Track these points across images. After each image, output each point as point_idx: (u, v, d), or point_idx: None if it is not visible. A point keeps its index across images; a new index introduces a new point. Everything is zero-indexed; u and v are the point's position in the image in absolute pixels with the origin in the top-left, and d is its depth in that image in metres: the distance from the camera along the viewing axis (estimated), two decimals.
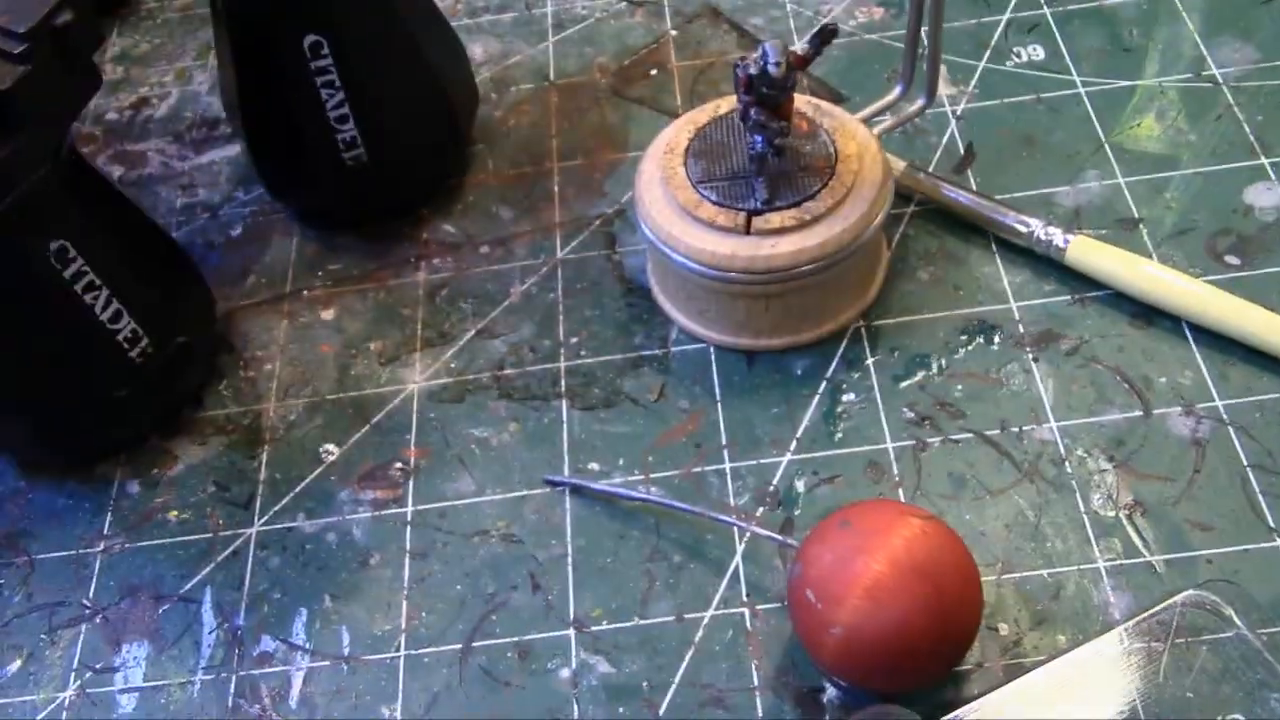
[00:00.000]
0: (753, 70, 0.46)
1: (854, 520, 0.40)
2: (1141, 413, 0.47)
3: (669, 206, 0.50)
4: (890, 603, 0.38)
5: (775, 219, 0.48)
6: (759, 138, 0.48)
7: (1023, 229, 0.52)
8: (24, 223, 0.45)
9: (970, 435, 0.48)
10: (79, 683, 0.46)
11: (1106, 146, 0.56)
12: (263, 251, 0.59)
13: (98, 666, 0.46)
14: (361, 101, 0.53)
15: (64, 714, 0.45)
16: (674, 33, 0.65)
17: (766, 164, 0.49)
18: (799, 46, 0.47)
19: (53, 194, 0.46)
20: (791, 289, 0.49)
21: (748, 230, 0.48)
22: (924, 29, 0.52)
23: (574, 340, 0.53)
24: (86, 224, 0.47)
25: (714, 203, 0.49)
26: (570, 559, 0.47)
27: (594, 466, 0.49)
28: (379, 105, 0.54)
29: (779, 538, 0.44)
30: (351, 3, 0.52)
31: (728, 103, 0.53)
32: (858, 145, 0.50)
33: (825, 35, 0.47)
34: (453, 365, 0.53)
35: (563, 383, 0.52)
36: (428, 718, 0.43)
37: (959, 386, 0.49)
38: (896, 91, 0.55)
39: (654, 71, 0.64)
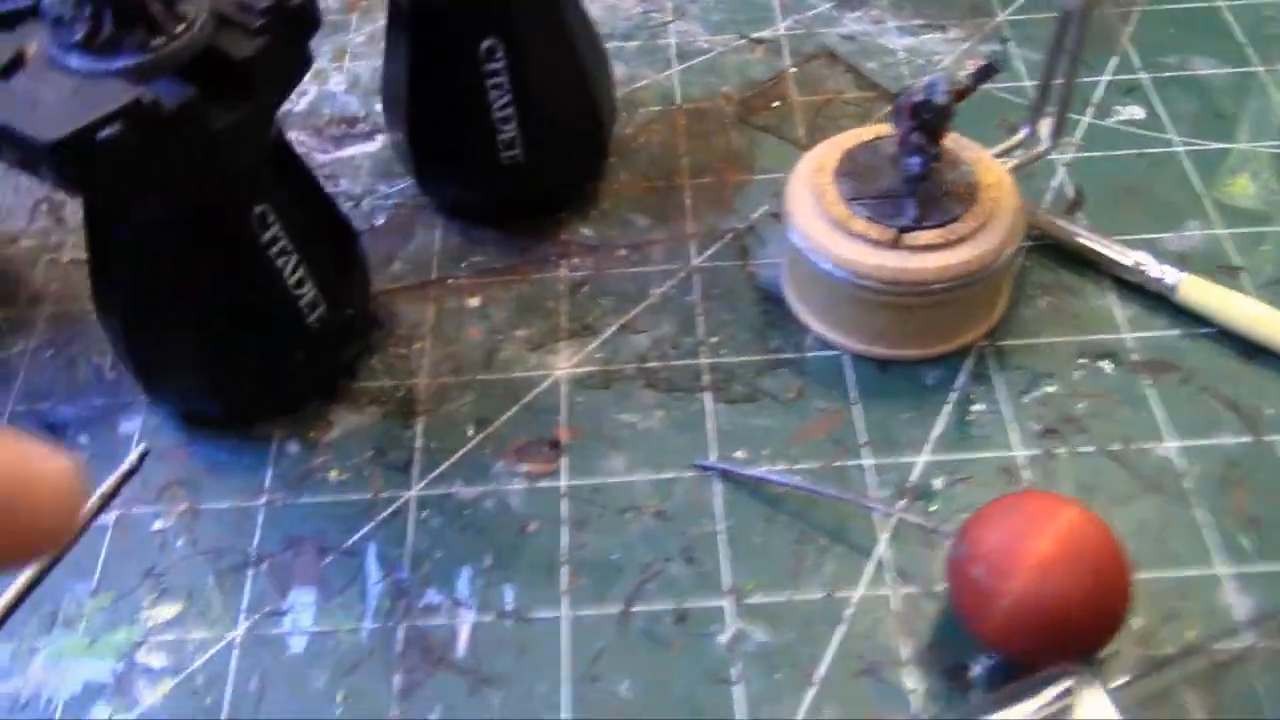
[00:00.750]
0: (917, 98, 0.51)
1: (1020, 506, 0.43)
2: (1252, 439, 0.51)
3: (821, 220, 0.53)
4: (1057, 579, 0.41)
5: (924, 236, 0.52)
6: (916, 159, 0.52)
7: (1137, 266, 0.56)
8: (240, 186, 0.48)
9: (1094, 449, 0.51)
10: (248, 623, 0.48)
11: (1205, 200, 0.61)
12: (407, 241, 0.62)
13: (266, 610, 0.48)
14: (525, 104, 0.57)
15: (234, 651, 0.47)
16: (793, 70, 0.70)
17: (919, 186, 0.53)
18: (961, 80, 0.52)
19: (264, 161, 0.49)
20: (931, 303, 0.52)
21: (896, 245, 0.52)
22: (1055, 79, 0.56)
23: (714, 340, 0.56)
24: (285, 192, 0.50)
25: (865, 218, 0.52)
26: (721, 536, 0.49)
27: (740, 454, 0.52)
28: (540, 108, 0.58)
29: (929, 524, 0.47)
30: (528, 10, 0.56)
31: (870, 131, 0.57)
32: (996, 176, 0.54)
33: (987, 72, 0.51)
34: (598, 355, 0.56)
35: (705, 377, 0.55)
36: (593, 673, 0.46)
37: (1080, 404, 0.53)
38: (1023, 133, 0.59)
39: (776, 104, 0.68)
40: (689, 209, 0.62)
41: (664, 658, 0.46)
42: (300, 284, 0.51)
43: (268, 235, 0.49)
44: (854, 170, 0.55)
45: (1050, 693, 0.39)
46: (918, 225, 0.52)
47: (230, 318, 0.50)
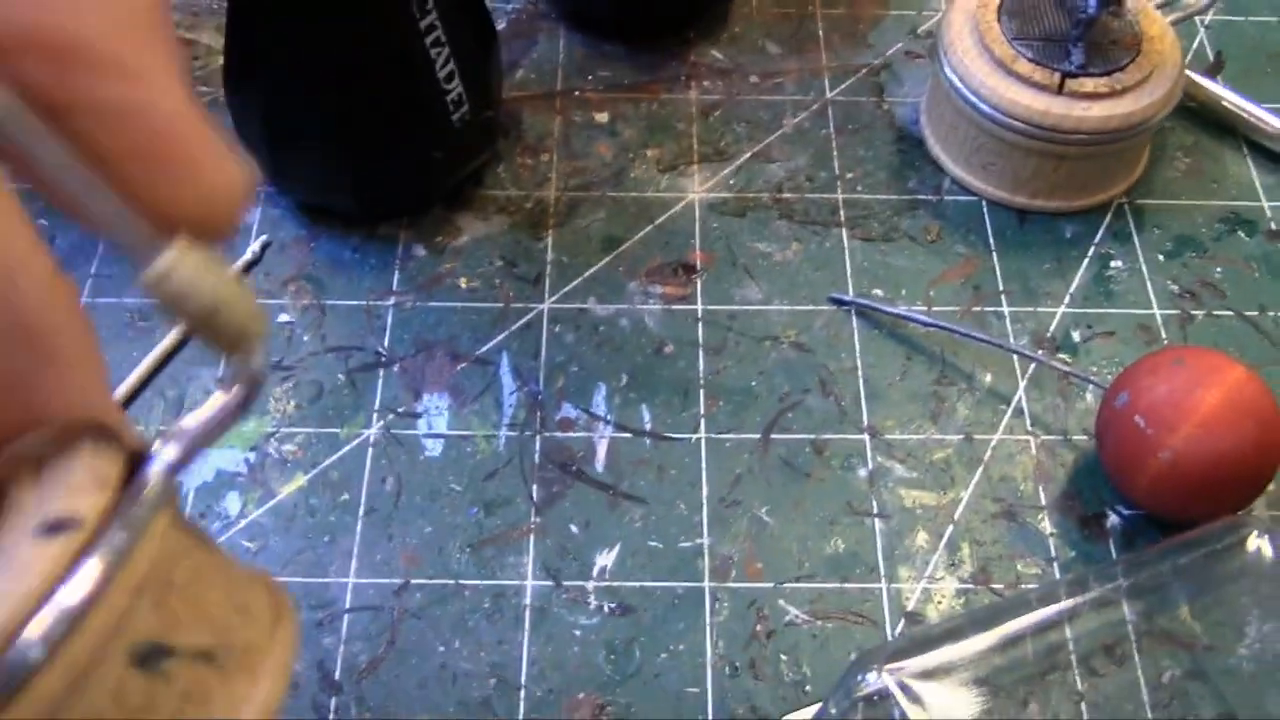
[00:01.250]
0: None
1: (1187, 359, 0.43)
2: None
3: (982, 58, 0.52)
4: (1221, 434, 0.41)
5: (1089, 84, 0.50)
6: (1093, 0, 0.50)
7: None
8: None
9: (1231, 313, 0.51)
10: (382, 423, 0.48)
11: None
12: (530, 49, 0.60)
13: (400, 410, 0.48)
14: None
15: (369, 450, 0.47)
16: None
17: (1086, 31, 0.51)
18: None
19: None
20: (1084, 154, 0.51)
21: (1060, 90, 0.51)
22: None
23: (849, 176, 0.55)
24: None
25: (1030, 60, 0.51)
26: (860, 373, 0.49)
27: (878, 292, 0.52)
28: None
29: (1079, 373, 0.47)
30: None
31: None
32: (1159, 28, 0.53)
33: None
34: (731, 182, 0.55)
35: (841, 213, 0.54)
36: (732, 497, 0.46)
37: (1218, 269, 0.53)
38: None
39: None
40: (822, 40, 0.61)
41: (803, 487, 0.46)
42: (450, 78, 0.49)
43: (425, 22, 0.47)
44: (1019, 9, 0.53)
45: (1225, 542, 0.39)
46: (1083, 72, 0.51)
47: (378, 106, 0.48)
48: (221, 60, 0.59)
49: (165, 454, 0.18)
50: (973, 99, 0.52)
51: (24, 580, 0.15)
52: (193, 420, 0.18)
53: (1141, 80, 0.51)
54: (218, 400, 0.19)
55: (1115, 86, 0.50)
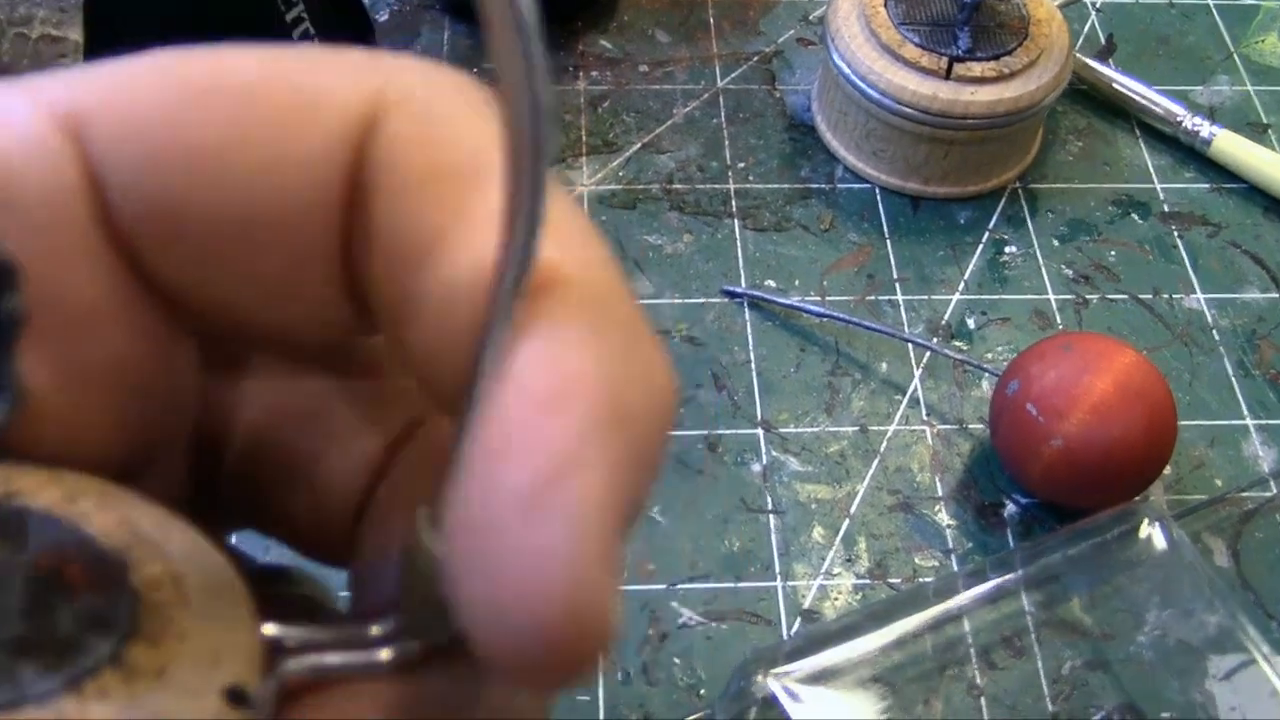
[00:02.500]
0: None
1: (1075, 345, 0.43)
2: (1278, 294, 0.51)
3: (869, 44, 0.51)
4: (1113, 420, 0.41)
5: (976, 68, 0.50)
6: None
7: (1172, 117, 0.55)
8: None
9: (1125, 297, 0.51)
10: None
11: (1235, 56, 0.60)
12: (411, 42, 0.58)
13: None
14: None
15: None
16: None
17: (973, 15, 0.50)
18: None
19: None
20: (975, 138, 0.51)
21: (948, 75, 0.50)
22: None
23: (741, 165, 0.54)
24: None
25: (917, 45, 0.50)
26: (753, 366, 0.48)
27: (771, 283, 0.50)
28: None
29: (974, 361, 0.47)
30: None
31: None
32: (1047, 12, 0.52)
33: None
34: (621, 174, 0.54)
35: (733, 203, 0.53)
36: None
37: (1112, 252, 0.52)
38: None
39: None
40: (713, 27, 0.59)
41: (696, 484, 0.45)
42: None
43: (292, 14, 0.45)
44: None
45: (1118, 530, 0.39)
46: (971, 56, 0.50)
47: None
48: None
49: (299, 662, 0.16)
50: (862, 85, 0.51)
51: None
52: (334, 653, 0.16)
53: (1029, 64, 0.50)
54: (367, 650, 0.16)
55: (1003, 70, 0.50)
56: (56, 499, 0.14)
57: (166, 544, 0.15)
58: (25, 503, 0.15)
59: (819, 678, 0.37)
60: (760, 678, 0.35)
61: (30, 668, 0.13)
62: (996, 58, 0.50)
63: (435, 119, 0.16)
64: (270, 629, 0.16)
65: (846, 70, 0.51)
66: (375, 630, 0.16)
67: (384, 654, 0.16)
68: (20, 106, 0.17)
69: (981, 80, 0.50)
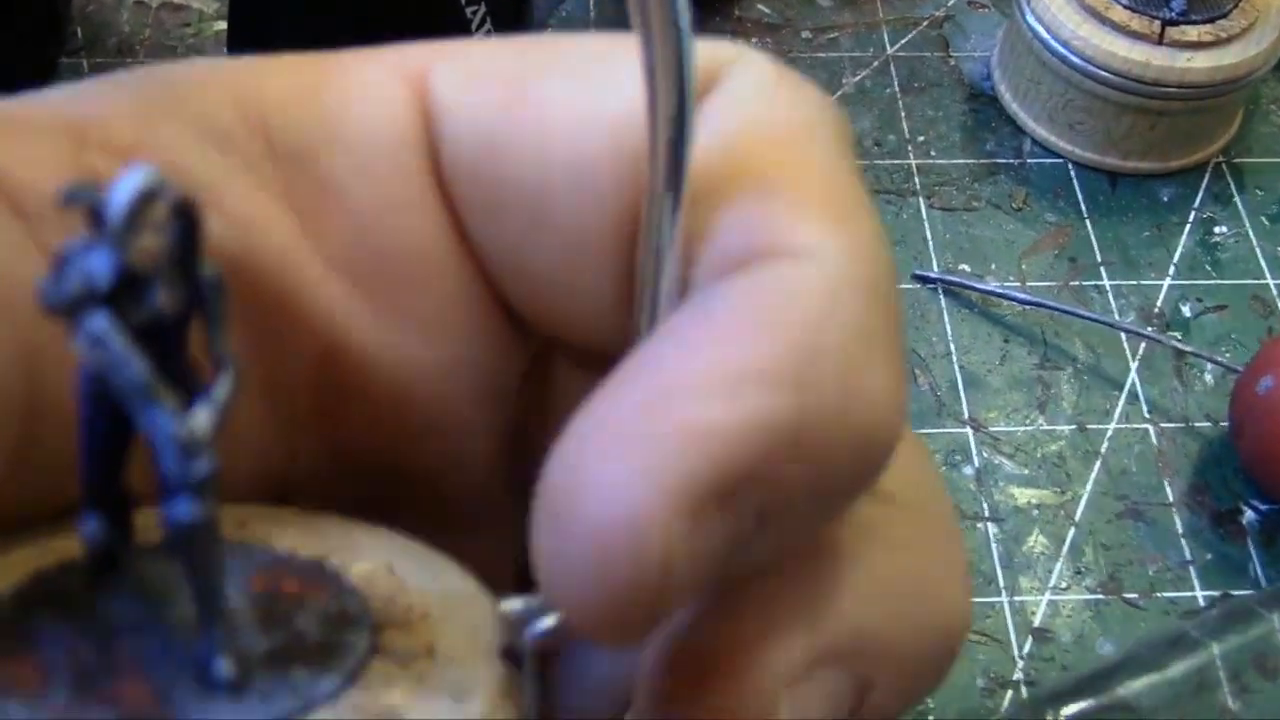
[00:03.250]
0: None
1: None
2: None
3: (1070, 5, 0.47)
4: None
5: (1192, 32, 0.46)
6: None
7: None
8: None
9: None
10: None
11: None
12: (557, 4, 0.54)
13: None
14: None
15: None
16: None
17: None
18: None
19: None
20: (1187, 109, 0.47)
21: (1160, 40, 0.46)
22: None
23: (921, 139, 0.50)
24: None
25: (1126, 7, 0.46)
26: (954, 358, 0.44)
27: (965, 268, 0.47)
28: None
29: (1204, 353, 0.43)
30: None
31: None
32: None
33: None
34: None
35: (916, 180, 0.49)
36: None
37: None
38: None
39: None
40: None
41: None
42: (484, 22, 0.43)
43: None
44: None
45: None
46: (1185, 19, 0.46)
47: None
48: (216, 26, 0.53)
49: (542, 622, 0.16)
50: (1062, 51, 0.47)
51: None
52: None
53: (1246, 28, 0.46)
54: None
55: (1219, 34, 0.46)
56: (230, 528, 0.14)
57: (360, 544, 0.16)
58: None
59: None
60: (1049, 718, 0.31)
61: (300, 674, 0.14)
62: (1212, 20, 0.46)
63: (766, 91, 0.17)
64: (504, 603, 0.16)
65: (1044, 35, 0.47)
66: None
67: None
68: (370, 66, 0.18)
69: (1198, 45, 0.46)
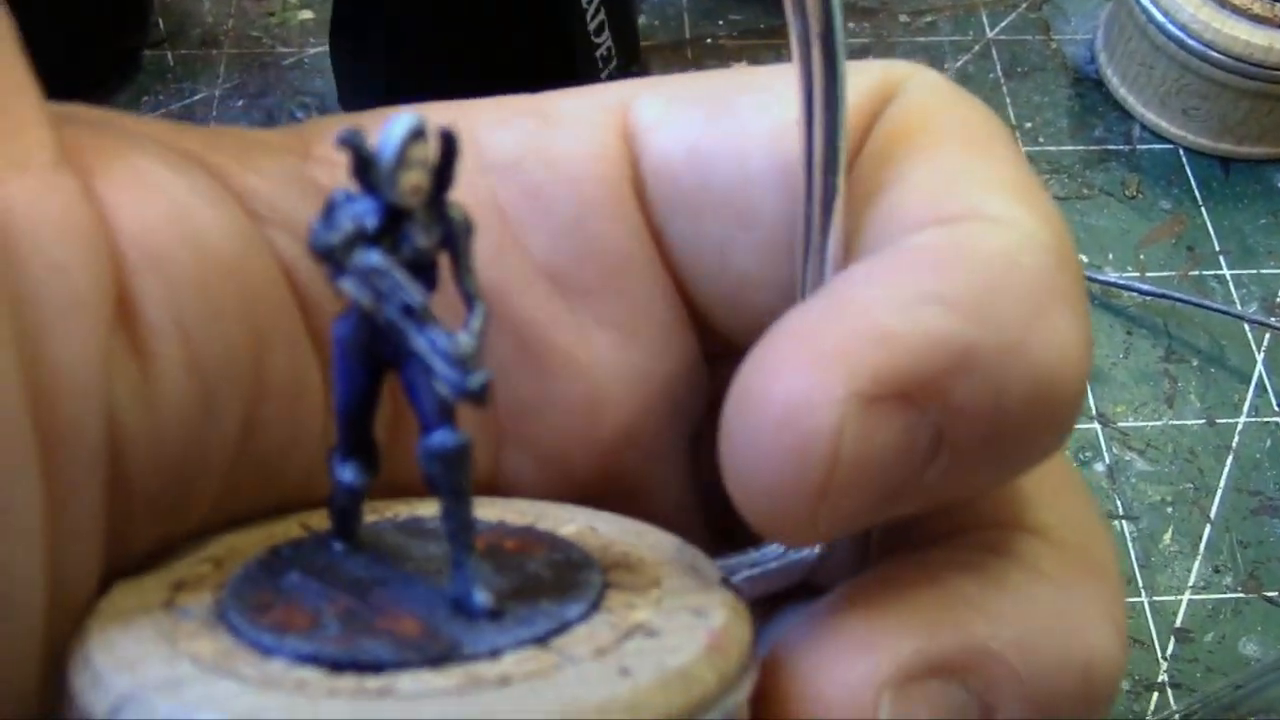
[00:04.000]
0: None
1: None
2: None
3: None
4: None
5: None
6: None
7: None
8: None
9: None
10: None
11: None
12: None
13: None
14: None
15: None
16: None
17: None
18: None
19: None
20: None
21: None
22: None
23: (1028, 125, 0.49)
24: None
25: None
26: None
27: (1082, 258, 0.46)
28: None
29: None
30: None
31: None
32: None
33: None
34: None
35: None
36: None
37: None
38: None
39: None
40: None
41: None
42: (600, 30, 0.42)
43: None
44: None
45: None
46: None
47: (523, 65, 0.42)
48: (301, 16, 0.52)
49: (749, 572, 0.18)
50: (1179, 34, 0.46)
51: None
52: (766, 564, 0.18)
53: None
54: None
55: None
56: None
57: (560, 514, 0.18)
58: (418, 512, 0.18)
59: None
60: None
61: (547, 604, 0.15)
62: None
63: (942, 96, 0.18)
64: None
65: (1160, 18, 0.46)
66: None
67: (814, 550, 0.18)
68: (571, 99, 0.19)
69: None
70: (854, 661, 0.15)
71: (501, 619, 0.15)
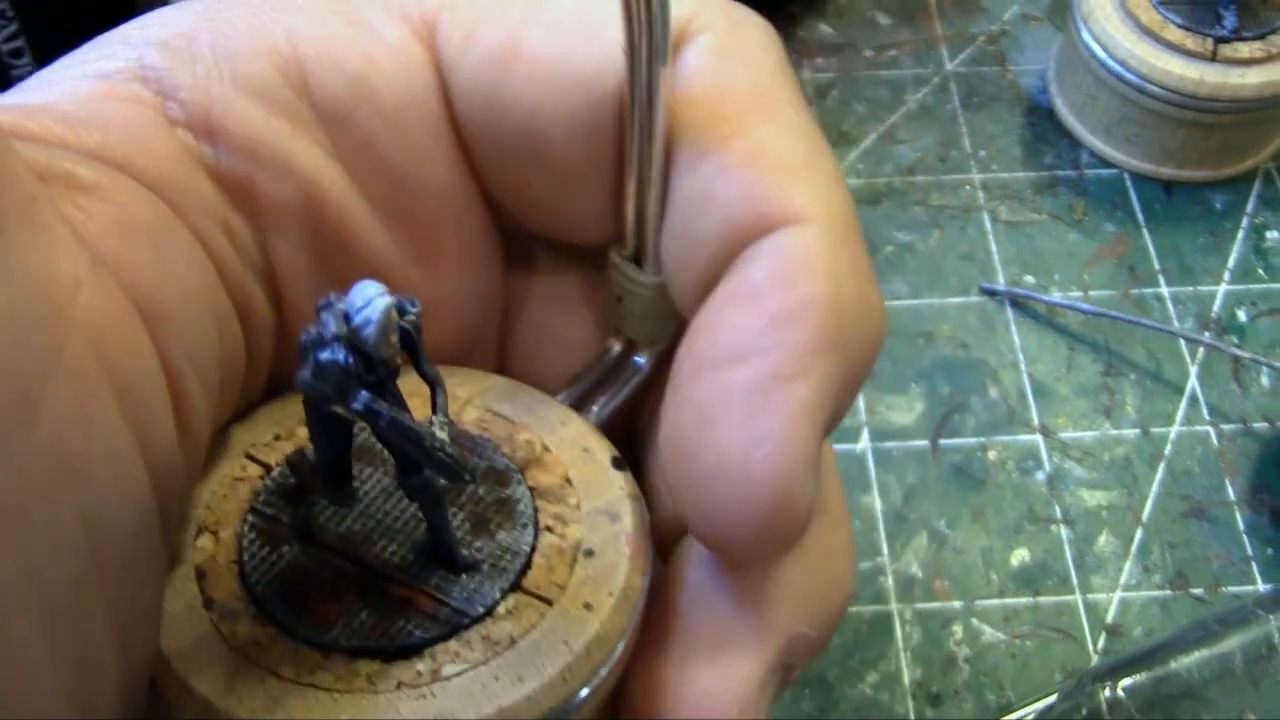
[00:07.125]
0: None
1: None
2: None
3: (1126, 25, 0.49)
4: None
5: (1244, 49, 0.48)
6: None
7: None
8: None
9: None
10: None
11: None
12: None
13: None
14: None
15: None
16: None
17: None
18: None
19: None
20: (1240, 121, 0.49)
21: (1213, 58, 0.48)
22: None
23: (982, 154, 0.53)
24: None
25: (1179, 26, 0.48)
26: (1023, 368, 0.47)
27: (1029, 279, 0.49)
28: None
29: (1259, 356, 0.45)
30: None
31: None
32: None
33: None
34: (860, 167, 0.52)
35: (980, 194, 0.51)
36: (905, 509, 0.44)
37: None
38: None
39: None
40: (934, 8, 0.58)
41: (981, 495, 0.44)
42: None
43: None
44: None
45: None
46: (1237, 36, 0.48)
47: None
48: None
49: (602, 407, 0.24)
50: (1117, 69, 0.49)
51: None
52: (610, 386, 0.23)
53: None
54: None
55: (1271, 51, 0.48)
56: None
57: (456, 388, 0.21)
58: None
59: (1143, 692, 0.36)
60: (1104, 690, 0.34)
61: (501, 536, 0.19)
62: (1263, 37, 0.48)
63: (727, 52, 0.20)
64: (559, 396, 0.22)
65: (1100, 54, 0.49)
66: (616, 348, 0.23)
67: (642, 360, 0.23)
68: (385, 17, 0.20)
69: (1250, 62, 0.48)
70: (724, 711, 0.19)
71: (478, 566, 0.19)
